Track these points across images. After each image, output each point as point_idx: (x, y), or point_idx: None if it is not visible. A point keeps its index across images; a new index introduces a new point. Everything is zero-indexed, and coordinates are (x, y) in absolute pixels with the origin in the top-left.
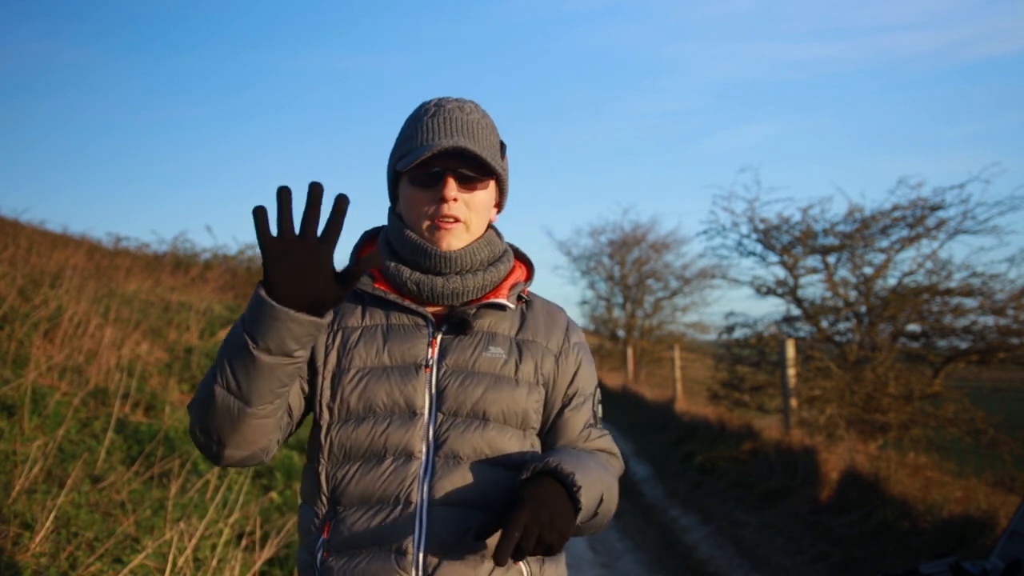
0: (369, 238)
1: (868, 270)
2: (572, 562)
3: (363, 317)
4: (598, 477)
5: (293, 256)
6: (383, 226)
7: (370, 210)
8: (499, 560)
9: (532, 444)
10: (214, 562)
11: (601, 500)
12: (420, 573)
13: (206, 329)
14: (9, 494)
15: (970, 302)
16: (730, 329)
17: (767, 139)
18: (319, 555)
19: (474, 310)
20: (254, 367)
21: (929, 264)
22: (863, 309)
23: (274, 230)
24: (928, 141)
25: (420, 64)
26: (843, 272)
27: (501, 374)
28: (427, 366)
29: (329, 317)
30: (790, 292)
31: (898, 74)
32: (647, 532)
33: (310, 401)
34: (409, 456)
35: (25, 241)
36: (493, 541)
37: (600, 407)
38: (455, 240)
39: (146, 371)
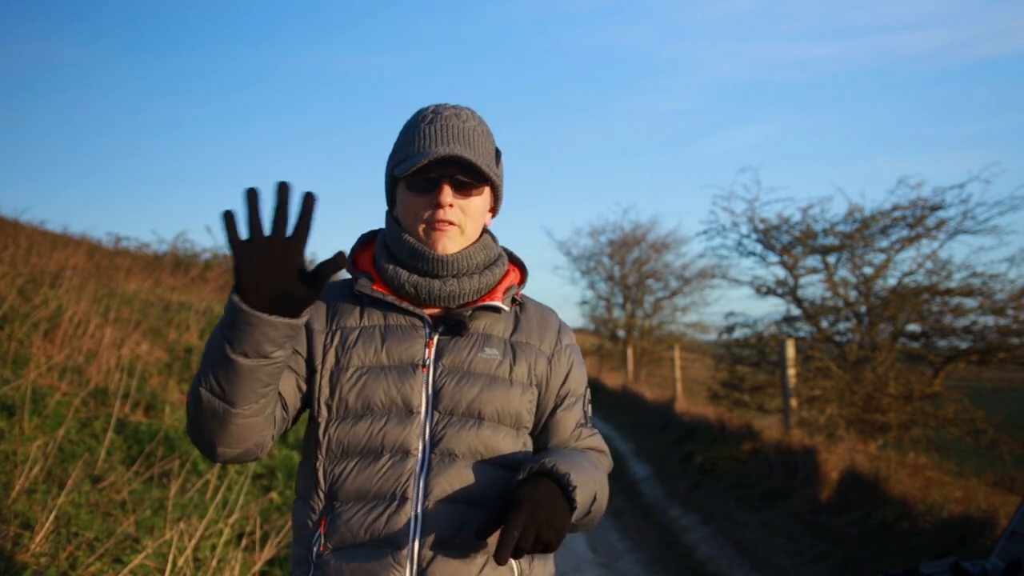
0: (366, 241)
1: (868, 270)
2: (572, 562)
3: (361, 318)
4: (591, 476)
5: (264, 257)
6: (380, 229)
7: (370, 210)
8: (500, 559)
9: (525, 443)
10: (214, 562)
11: (594, 498)
12: (415, 567)
13: (206, 329)
14: (9, 494)
15: (970, 302)
16: (730, 329)
17: (767, 139)
18: (315, 549)
19: (470, 312)
20: (234, 371)
21: (929, 264)
22: (863, 309)
23: (244, 233)
24: (928, 141)
25: (420, 64)
26: (843, 272)
27: (496, 375)
28: (424, 366)
29: (305, 317)
30: (790, 292)
31: (898, 74)
32: (647, 532)
33: (307, 398)
34: (405, 453)
35: (25, 241)
36: (490, 539)
37: (590, 406)
38: (451, 244)
39: (146, 371)
